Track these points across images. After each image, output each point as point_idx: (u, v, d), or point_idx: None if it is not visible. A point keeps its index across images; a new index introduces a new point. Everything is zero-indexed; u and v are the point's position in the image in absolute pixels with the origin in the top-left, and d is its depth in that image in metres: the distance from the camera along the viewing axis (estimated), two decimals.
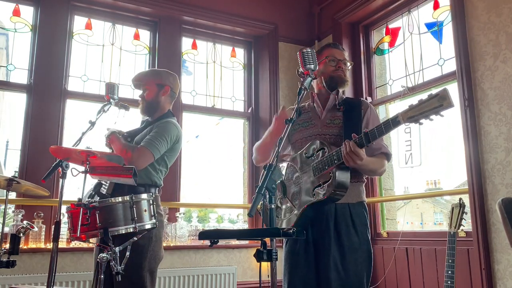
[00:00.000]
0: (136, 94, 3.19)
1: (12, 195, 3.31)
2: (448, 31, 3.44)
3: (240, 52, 4.69)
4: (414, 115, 1.57)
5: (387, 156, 2.04)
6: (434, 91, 1.55)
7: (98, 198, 2.04)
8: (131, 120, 2.62)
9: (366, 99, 4.10)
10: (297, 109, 1.72)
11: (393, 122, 1.65)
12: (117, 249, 1.91)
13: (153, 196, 2.17)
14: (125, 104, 2.50)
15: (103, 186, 2.25)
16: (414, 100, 1.60)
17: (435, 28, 3.62)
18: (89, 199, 1.99)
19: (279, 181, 2.04)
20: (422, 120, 1.56)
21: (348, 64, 2.17)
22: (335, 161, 1.80)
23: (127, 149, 2.26)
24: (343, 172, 1.81)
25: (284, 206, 2.01)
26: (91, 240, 2.08)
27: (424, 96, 1.57)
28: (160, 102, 2.52)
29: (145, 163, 2.31)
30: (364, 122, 2.05)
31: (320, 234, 1.96)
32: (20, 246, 2.61)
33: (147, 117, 2.56)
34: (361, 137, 1.74)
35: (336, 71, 2.12)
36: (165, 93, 2.53)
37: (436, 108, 1.51)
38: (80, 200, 1.90)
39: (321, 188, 1.84)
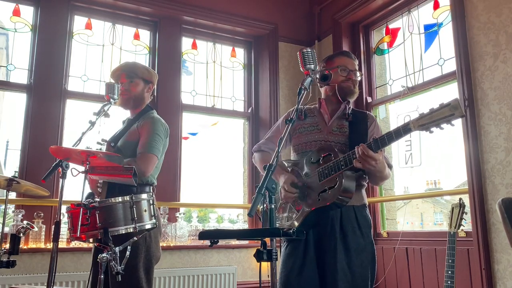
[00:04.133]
0: None
1: (12, 195, 3.31)
2: (447, 31, 3.44)
3: (240, 52, 4.69)
4: (425, 123, 1.60)
5: (389, 167, 2.06)
6: (445, 101, 1.55)
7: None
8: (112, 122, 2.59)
9: (366, 99, 4.10)
10: (297, 109, 1.73)
11: (404, 129, 1.67)
12: (117, 249, 1.90)
13: (153, 196, 2.17)
14: (105, 111, 2.45)
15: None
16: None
17: (435, 28, 3.62)
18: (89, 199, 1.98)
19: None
20: (433, 129, 1.59)
21: (358, 74, 2.17)
22: (342, 167, 1.82)
23: (129, 163, 2.24)
24: (349, 178, 1.84)
25: (287, 211, 2.02)
26: (91, 240, 2.08)
27: (431, 101, 1.58)
28: (144, 99, 2.55)
29: (152, 167, 2.31)
30: (369, 134, 2.07)
31: (325, 236, 1.96)
32: (20, 246, 2.61)
33: (128, 110, 2.54)
34: (370, 144, 1.76)
35: (347, 82, 2.12)
36: (149, 90, 2.57)
37: (447, 117, 1.53)
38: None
39: (326, 193, 1.86)
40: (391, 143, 1.75)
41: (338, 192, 1.81)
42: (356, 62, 2.19)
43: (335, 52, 2.27)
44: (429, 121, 1.58)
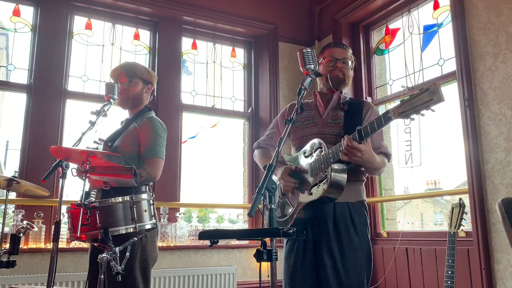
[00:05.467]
0: None
1: (12, 195, 3.31)
2: (447, 32, 3.45)
3: (240, 52, 4.69)
4: (405, 110, 1.55)
5: (386, 156, 2.03)
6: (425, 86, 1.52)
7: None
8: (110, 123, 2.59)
9: (366, 99, 4.10)
10: (296, 109, 1.72)
11: (385, 118, 1.64)
12: (117, 249, 1.90)
13: (153, 196, 2.17)
14: (105, 111, 2.44)
15: (92, 194, 2.23)
16: None
17: (435, 28, 3.62)
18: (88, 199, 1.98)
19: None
20: (414, 116, 1.54)
21: (350, 62, 2.15)
22: (331, 160, 1.80)
23: (140, 172, 2.24)
24: (338, 171, 1.81)
25: (285, 206, 2.02)
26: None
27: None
28: (143, 99, 2.55)
29: (160, 171, 2.34)
30: (364, 122, 2.02)
31: (319, 233, 1.96)
32: (20, 246, 2.61)
33: (126, 109, 2.55)
34: (354, 135, 1.73)
35: (333, 71, 2.11)
36: (148, 91, 2.58)
37: (426, 103, 1.48)
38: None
39: (317, 187, 1.84)
40: (374, 133, 1.71)
41: (328, 186, 1.78)
42: (349, 51, 2.17)
43: (324, 45, 2.25)
44: (409, 108, 1.54)
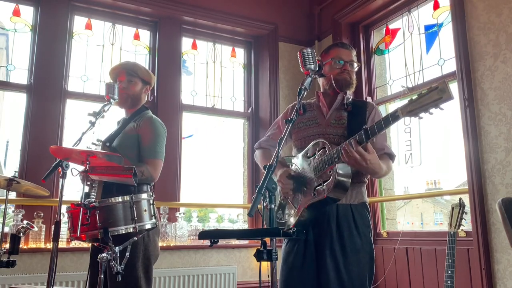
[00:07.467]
0: None
1: (12, 195, 3.31)
2: (447, 32, 3.45)
3: (240, 52, 4.69)
4: (414, 109, 1.54)
5: (391, 156, 2.02)
6: (433, 84, 1.52)
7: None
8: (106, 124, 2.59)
9: (366, 99, 4.10)
10: (297, 109, 1.72)
11: (393, 117, 1.62)
12: (117, 249, 1.91)
13: (153, 196, 2.17)
14: (105, 111, 2.43)
15: (92, 194, 2.23)
16: None
17: (435, 29, 3.63)
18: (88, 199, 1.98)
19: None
20: (422, 114, 1.53)
21: (355, 65, 2.12)
22: (335, 160, 1.78)
23: (139, 170, 2.24)
24: (343, 171, 1.79)
25: (286, 207, 2.01)
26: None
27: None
28: (141, 99, 2.57)
29: (159, 172, 2.37)
30: (368, 123, 2.00)
31: (321, 235, 1.95)
32: (20, 246, 2.61)
33: (123, 109, 2.56)
34: (361, 134, 1.71)
35: (342, 74, 2.07)
36: (147, 91, 2.60)
37: (435, 101, 1.48)
38: None
39: (321, 187, 1.83)
40: (381, 132, 1.68)
41: (332, 186, 1.77)
42: (354, 53, 2.14)
43: (330, 44, 2.22)
44: (417, 106, 1.53)
